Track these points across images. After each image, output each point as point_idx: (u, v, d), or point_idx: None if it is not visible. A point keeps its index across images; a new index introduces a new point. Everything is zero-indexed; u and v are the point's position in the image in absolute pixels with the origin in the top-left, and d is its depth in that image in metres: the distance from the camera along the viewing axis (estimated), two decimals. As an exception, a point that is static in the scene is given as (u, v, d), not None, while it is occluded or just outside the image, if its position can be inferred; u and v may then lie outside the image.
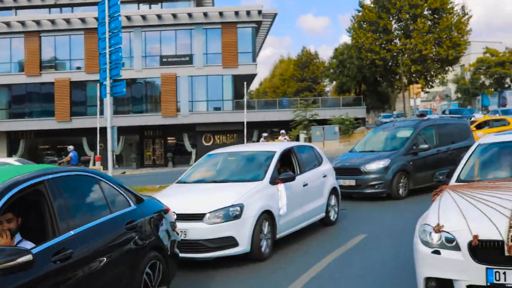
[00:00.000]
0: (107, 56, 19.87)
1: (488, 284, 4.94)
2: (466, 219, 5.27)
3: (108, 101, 20.41)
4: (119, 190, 5.96)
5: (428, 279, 5.41)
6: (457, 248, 5.17)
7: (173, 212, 7.20)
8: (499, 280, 4.88)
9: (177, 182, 10.15)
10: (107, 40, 19.85)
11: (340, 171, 14.14)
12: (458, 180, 6.87)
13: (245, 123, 40.11)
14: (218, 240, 8.01)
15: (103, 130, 24.58)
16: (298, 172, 10.35)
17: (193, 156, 49.46)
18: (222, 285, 7.31)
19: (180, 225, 7.47)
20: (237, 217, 8.15)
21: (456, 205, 5.70)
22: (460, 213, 5.44)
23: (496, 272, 4.90)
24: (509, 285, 4.85)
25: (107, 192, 5.69)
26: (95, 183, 5.61)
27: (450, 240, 5.26)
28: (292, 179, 9.59)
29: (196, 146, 51.04)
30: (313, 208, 10.42)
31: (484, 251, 5.01)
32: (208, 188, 9.25)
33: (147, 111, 51.60)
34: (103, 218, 5.35)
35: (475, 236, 5.02)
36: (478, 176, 6.98)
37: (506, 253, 4.83)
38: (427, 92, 67.61)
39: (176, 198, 8.67)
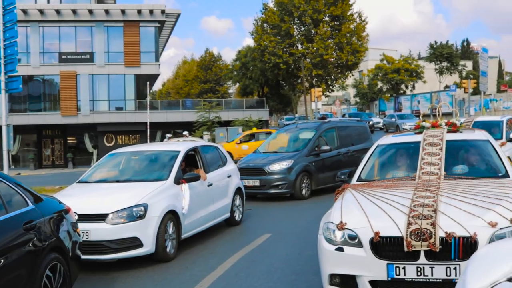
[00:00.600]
0: (1, 50, 18.87)
1: (389, 279, 5.12)
2: (368, 217, 5.44)
3: (3, 97, 19.43)
4: (16, 189, 5.66)
5: (332, 276, 5.53)
6: (359, 245, 5.32)
7: (75, 212, 6.93)
8: (399, 274, 5.07)
9: (78, 182, 9.80)
10: (1, 33, 18.86)
11: (245, 172, 14.21)
12: (359, 179, 7.10)
13: (148, 124, 39.43)
14: (121, 241, 7.79)
15: (-3, 128, 23.40)
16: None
17: (95, 157, 48.14)
18: (125, 287, 7.12)
19: (82, 226, 7.21)
20: (141, 217, 7.97)
21: (358, 203, 5.90)
22: (362, 211, 5.62)
23: (396, 267, 5.09)
24: (408, 279, 5.06)
25: (2, 191, 5.38)
26: (-10, 182, 5.29)
27: (352, 237, 5.40)
28: (196, 179, 9.52)
29: (97, 147, 49.70)
30: (218, 208, 10.39)
31: (385, 247, 5.19)
32: (111, 188, 8.99)
33: (46, 110, 49.65)
34: (-1, 218, 5.05)
35: (376, 233, 5.18)
36: (378, 176, 7.25)
37: (406, 249, 5.02)
38: (328, 96, 69.42)
39: (78, 198, 8.36)
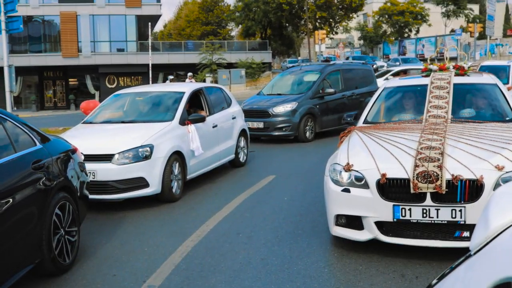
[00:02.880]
0: (1, -11, 18.58)
1: (395, 220, 5.23)
2: (375, 159, 5.50)
3: (3, 38, 19.25)
4: (24, 129, 5.66)
5: (338, 216, 5.63)
6: (366, 186, 5.40)
7: (81, 153, 6.96)
8: (405, 216, 5.17)
9: (83, 123, 9.80)
10: (0, -28, 18.53)
11: (249, 114, 14.19)
12: (365, 121, 7.10)
13: (150, 65, 39.24)
14: (128, 181, 7.86)
15: (-1, 69, 23.28)
16: (208, 114, 10.26)
17: (97, 98, 48.08)
18: (132, 226, 7.22)
19: (89, 166, 7.24)
20: (147, 157, 8.01)
21: (364, 145, 5.93)
22: (369, 153, 5.67)
23: (402, 208, 5.18)
24: (413, 220, 5.16)
25: (10, 131, 5.37)
26: (-3, 121, 5.27)
27: (359, 179, 5.47)
28: (202, 120, 9.51)
29: (99, 88, 49.58)
30: (223, 150, 10.43)
31: (391, 189, 5.27)
32: (116, 129, 9.00)
33: (46, 51, 49.30)
34: (8, 158, 5.06)
35: (383, 175, 5.25)
36: (384, 118, 7.28)
37: (412, 191, 5.10)
38: (331, 39, 68.72)
39: (84, 138, 8.37)
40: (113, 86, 48.47)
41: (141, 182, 7.94)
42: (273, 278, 5.14)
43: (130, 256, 6.02)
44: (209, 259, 5.75)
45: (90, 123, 9.65)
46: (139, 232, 6.96)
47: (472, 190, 5.05)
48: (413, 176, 5.12)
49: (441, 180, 5.04)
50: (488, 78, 7.53)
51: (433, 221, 5.12)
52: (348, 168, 5.56)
